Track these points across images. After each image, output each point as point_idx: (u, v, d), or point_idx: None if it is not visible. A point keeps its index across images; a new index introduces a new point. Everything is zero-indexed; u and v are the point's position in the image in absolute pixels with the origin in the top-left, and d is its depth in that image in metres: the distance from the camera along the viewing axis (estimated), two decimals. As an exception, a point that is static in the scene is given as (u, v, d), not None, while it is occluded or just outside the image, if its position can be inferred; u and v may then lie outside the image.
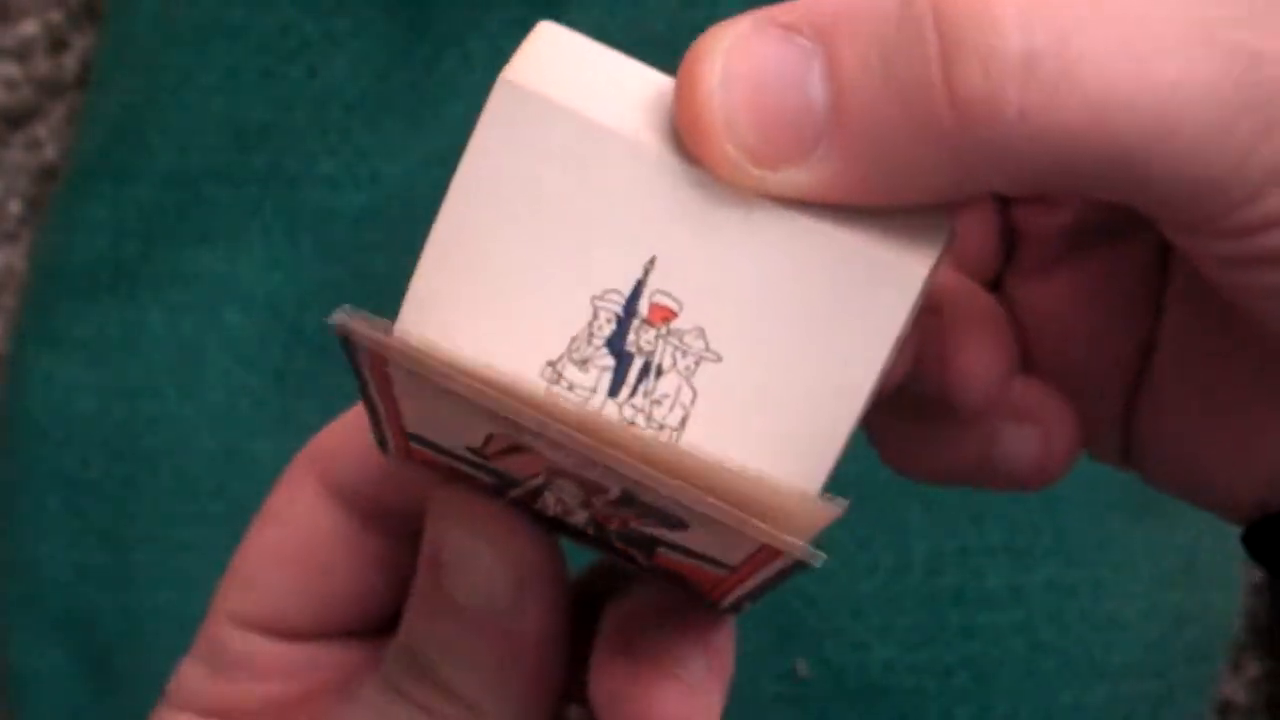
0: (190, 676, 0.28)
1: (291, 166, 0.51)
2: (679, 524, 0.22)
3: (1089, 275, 0.27)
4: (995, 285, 0.28)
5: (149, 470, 0.50)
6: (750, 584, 0.23)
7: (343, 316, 0.21)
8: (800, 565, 0.21)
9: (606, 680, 0.25)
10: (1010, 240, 0.27)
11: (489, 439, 0.23)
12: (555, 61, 0.21)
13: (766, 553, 0.21)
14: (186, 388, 0.50)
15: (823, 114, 0.20)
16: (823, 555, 0.21)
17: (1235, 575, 0.50)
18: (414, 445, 0.25)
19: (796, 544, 0.20)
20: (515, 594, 0.25)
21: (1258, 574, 0.55)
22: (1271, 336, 0.23)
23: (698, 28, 0.22)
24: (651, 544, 0.24)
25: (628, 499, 0.22)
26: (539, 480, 0.23)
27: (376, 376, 0.22)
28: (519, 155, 0.21)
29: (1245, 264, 0.21)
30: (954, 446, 0.26)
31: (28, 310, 0.53)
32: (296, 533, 0.28)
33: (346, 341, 0.22)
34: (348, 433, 0.28)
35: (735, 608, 0.25)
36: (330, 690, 0.28)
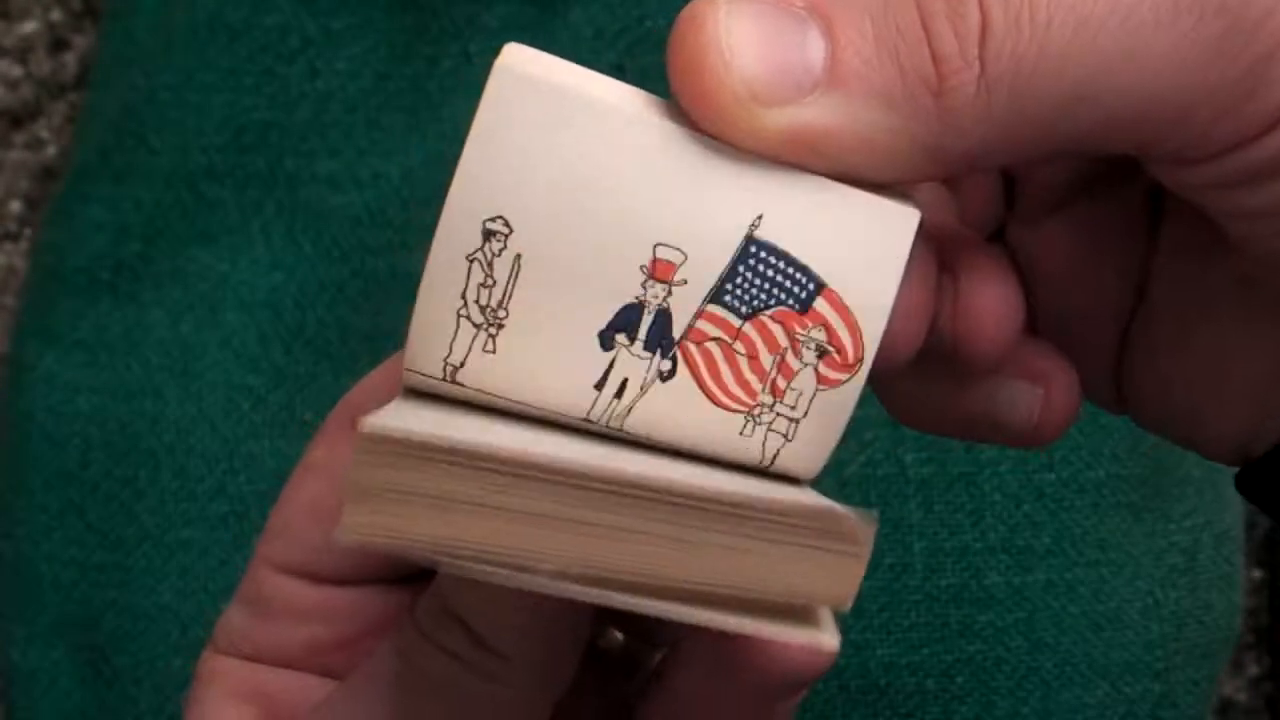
0: (234, 621, 0.30)
1: (291, 166, 0.51)
2: None
3: (1085, 220, 0.27)
4: (999, 235, 0.29)
5: (149, 470, 0.50)
6: None
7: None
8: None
9: None
10: (1010, 190, 0.28)
11: None
12: (537, 62, 0.23)
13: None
14: (186, 388, 0.50)
15: (820, 68, 0.22)
16: (835, 643, 0.21)
17: (1235, 575, 0.50)
18: None
19: (826, 643, 0.21)
20: None
21: (1258, 574, 0.55)
22: (1256, 262, 0.24)
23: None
24: None
25: None
26: None
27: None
28: (523, 138, 0.22)
29: (1226, 186, 0.22)
30: (959, 401, 0.27)
31: (28, 310, 0.53)
32: (333, 483, 0.28)
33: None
34: (381, 387, 0.28)
35: None
36: (368, 634, 0.29)
